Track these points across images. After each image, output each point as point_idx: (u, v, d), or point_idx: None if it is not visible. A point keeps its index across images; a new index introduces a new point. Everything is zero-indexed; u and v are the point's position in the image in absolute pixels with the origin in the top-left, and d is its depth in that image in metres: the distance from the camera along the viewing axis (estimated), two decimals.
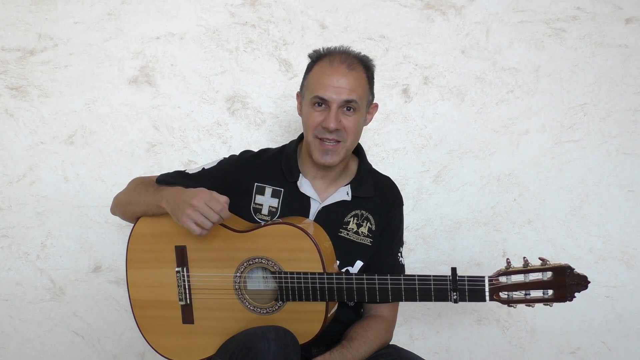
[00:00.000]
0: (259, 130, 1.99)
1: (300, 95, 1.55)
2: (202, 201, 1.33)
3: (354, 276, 1.38)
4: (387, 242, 1.56)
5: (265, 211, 1.52)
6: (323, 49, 1.51)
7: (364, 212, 1.54)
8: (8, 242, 1.97)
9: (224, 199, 1.36)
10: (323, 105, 1.45)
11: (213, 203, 1.34)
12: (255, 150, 1.63)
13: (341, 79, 1.43)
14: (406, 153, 2.00)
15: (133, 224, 1.53)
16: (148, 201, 1.47)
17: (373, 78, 1.53)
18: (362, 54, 1.51)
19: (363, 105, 1.48)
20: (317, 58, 1.50)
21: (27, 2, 1.93)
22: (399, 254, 1.59)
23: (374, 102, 1.57)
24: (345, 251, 1.51)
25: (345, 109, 1.45)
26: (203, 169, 1.58)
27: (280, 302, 1.41)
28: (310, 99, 1.46)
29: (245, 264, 1.42)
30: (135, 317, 1.52)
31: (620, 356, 2.02)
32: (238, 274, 1.43)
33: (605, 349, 2.02)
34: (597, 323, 2.02)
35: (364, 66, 1.49)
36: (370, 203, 1.55)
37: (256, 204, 1.53)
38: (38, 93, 1.95)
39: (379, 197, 1.57)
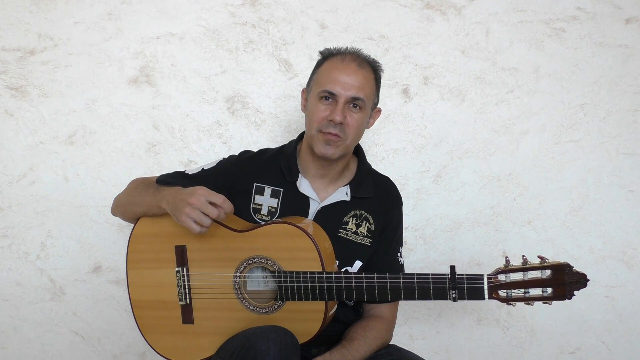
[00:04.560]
0: (259, 130, 1.99)
1: (306, 91, 1.56)
2: (202, 198, 1.34)
3: (352, 275, 1.38)
4: (386, 242, 1.56)
5: (264, 211, 1.52)
6: (334, 47, 1.53)
7: (362, 212, 1.54)
8: (8, 242, 1.97)
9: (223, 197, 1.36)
10: (330, 100, 1.46)
11: (213, 197, 1.34)
12: (255, 150, 1.63)
13: (351, 75, 1.45)
14: (406, 153, 2.00)
15: (133, 225, 1.53)
16: (148, 202, 1.48)
17: (380, 82, 1.55)
18: (372, 57, 1.53)
19: (369, 105, 1.50)
20: (329, 55, 1.52)
21: (27, 2, 1.93)
22: (399, 254, 1.59)
23: (378, 106, 1.58)
24: (345, 251, 1.51)
25: (351, 105, 1.46)
26: (202, 169, 1.58)
27: (279, 302, 1.41)
28: (318, 92, 1.47)
29: (244, 263, 1.42)
30: (135, 317, 1.51)
31: (620, 356, 2.02)
32: (238, 274, 1.43)
33: (605, 349, 2.02)
34: (597, 323, 2.02)
35: (373, 68, 1.51)
36: (369, 203, 1.55)
37: (255, 204, 1.53)
38: (38, 93, 1.95)
39: (378, 197, 1.57)
